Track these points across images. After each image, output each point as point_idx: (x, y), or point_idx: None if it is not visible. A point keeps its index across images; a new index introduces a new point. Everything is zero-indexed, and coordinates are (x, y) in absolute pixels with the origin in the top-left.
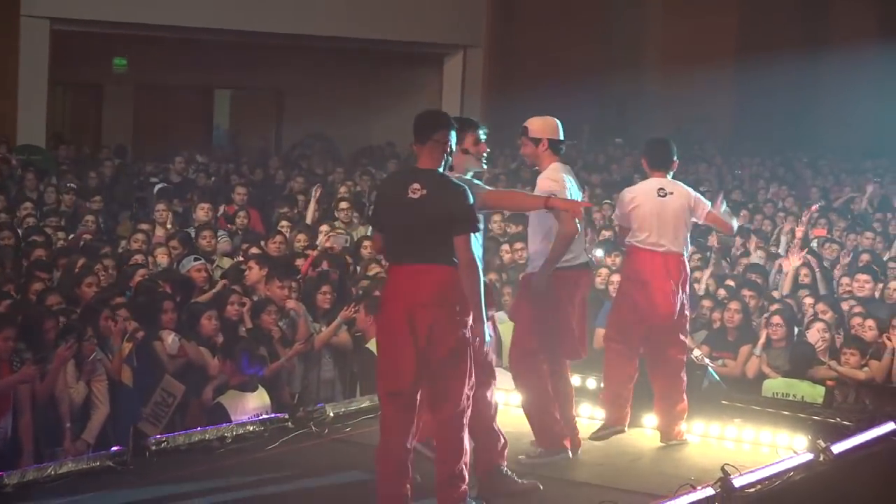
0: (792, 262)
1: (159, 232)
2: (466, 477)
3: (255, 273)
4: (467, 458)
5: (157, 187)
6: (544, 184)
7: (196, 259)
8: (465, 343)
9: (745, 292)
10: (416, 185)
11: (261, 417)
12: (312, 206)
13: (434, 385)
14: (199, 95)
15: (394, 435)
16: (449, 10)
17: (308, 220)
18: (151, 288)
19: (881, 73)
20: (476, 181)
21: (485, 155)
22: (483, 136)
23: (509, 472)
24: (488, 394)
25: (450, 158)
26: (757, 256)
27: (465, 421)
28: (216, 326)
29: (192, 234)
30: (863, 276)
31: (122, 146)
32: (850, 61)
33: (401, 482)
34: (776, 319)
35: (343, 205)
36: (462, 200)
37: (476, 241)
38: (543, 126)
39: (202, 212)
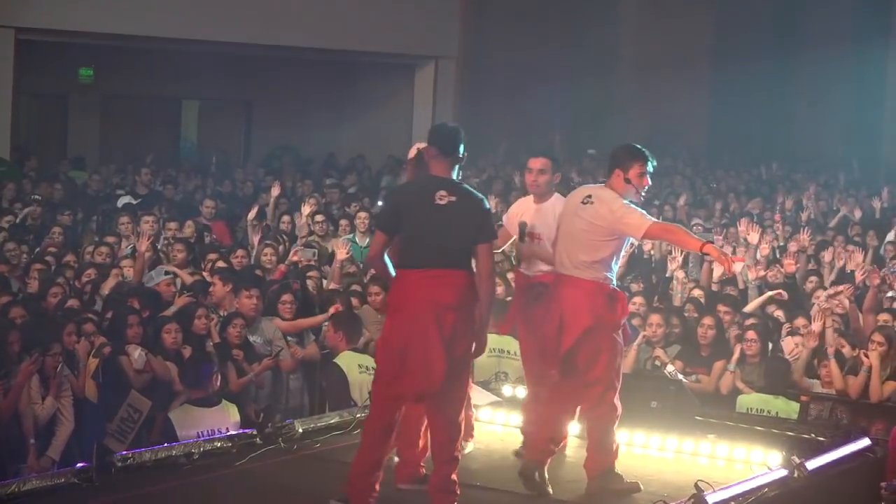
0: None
1: (124, 245)
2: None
3: (219, 289)
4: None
5: (120, 201)
6: None
7: (166, 273)
8: (471, 348)
9: (720, 307)
10: (443, 192)
11: (228, 433)
12: (304, 220)
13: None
14: (167, 106)
15: (384, 436)
16: (420, 21)
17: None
18: (117, 302)
19: (856, 78)
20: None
21: (645, 188)
22: (650, 169)
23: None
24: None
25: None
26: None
27: (462, 425)
28: (175, 339)
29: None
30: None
31: (80, 158)
32: (824, 67)
33: (376, 478)
34: (750, 335)
35: (318, 217)
36: (486, 210)
37: (616, 262)
38: None
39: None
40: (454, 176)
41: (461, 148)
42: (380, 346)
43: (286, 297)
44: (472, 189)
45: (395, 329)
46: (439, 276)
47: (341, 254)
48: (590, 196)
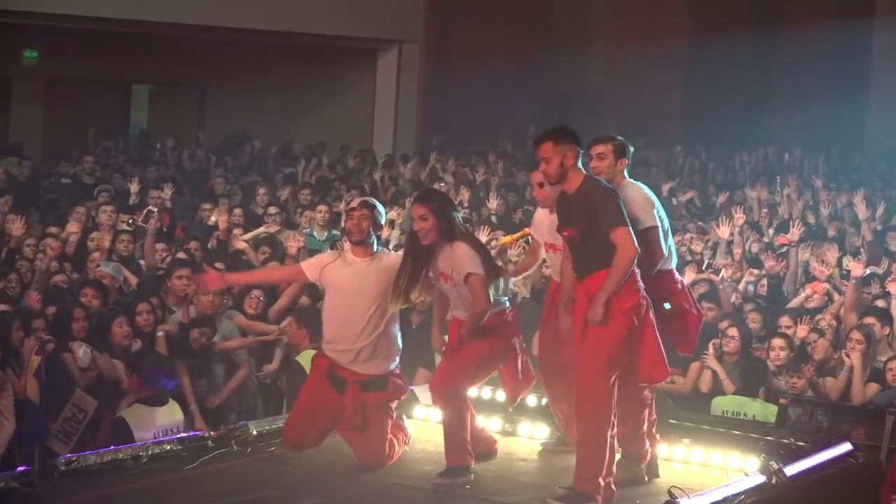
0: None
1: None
2: None
3: (182, 283)
4: None
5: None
6: None
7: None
8: None
9: (704, 304)
10: None
11: (178, 435)
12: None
13: None
14: (116, 91)
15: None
16: (383, 4)
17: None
18: (62, 295)
19: (839, 60)
20: None
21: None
22: None
23: None
24: None
25: None
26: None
27: None
28: (127, 333)
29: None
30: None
31: (19, 143)
32: (805, 50)
33: None
34: (732, 332)
35: (272, 209)
36: None
37: None
38: None
39: (104, 215)
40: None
41: None
42: (621, 343)
43: (256, 291)
44: None
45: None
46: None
47: (292, 248)
48: None
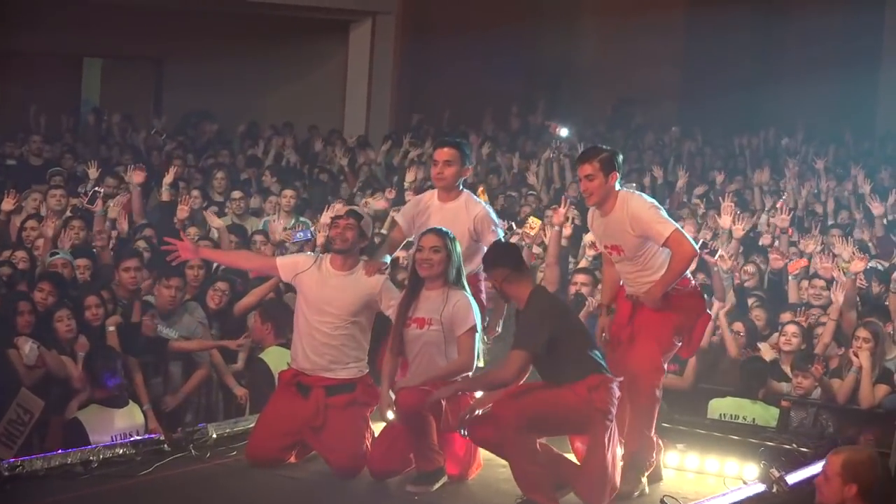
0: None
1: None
2: None
3: (129, 275)
4: None
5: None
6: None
7: (52, 254)
8: None
9: None
10: None
11: (132, 439)
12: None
13: None
14: (66, 64)
15: None
16: None
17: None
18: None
19: (848, 38)
20: None
21: None
22: None
23: None
24: None
25: None
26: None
27: None
28: (69, 327)
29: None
30: (819, 283)
31: None
32: (812, 26)
33: None
34: (737, 326)
35: (235, 194)
36: None
37: None
38: None
39: (53, 200)
40: None
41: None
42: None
43: (221, 284)
44: None
45: None
46: None
47: (276, 234)
48: None
